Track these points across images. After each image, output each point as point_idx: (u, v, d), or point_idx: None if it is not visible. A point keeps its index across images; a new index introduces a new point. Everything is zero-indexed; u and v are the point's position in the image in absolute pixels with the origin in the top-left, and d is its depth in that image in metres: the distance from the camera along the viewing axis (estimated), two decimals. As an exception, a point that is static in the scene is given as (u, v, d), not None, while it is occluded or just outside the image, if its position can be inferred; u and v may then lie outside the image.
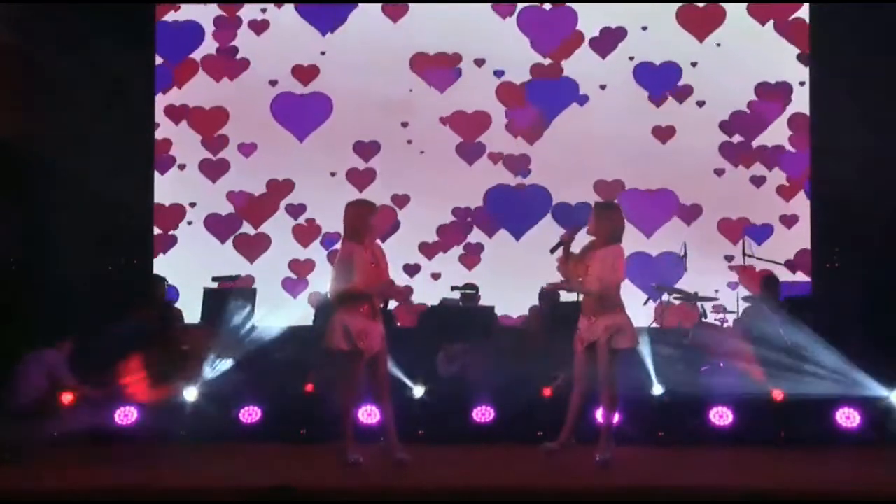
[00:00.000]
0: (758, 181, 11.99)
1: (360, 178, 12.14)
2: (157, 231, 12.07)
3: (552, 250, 7.94)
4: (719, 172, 12.01)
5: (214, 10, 12.33)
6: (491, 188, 12.09)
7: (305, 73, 12.25)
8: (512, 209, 12.05)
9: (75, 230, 10.67)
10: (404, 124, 12.17)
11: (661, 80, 12.11)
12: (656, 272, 11.49)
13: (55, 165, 10.66)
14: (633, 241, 10.64)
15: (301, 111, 12.22)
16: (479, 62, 12.16)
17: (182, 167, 12.22)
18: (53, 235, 10.62)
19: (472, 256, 12.08)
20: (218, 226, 12.20)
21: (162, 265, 11.94)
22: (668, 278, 11.21)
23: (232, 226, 12.19)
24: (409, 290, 11.74)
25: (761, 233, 11.88)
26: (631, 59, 12.13)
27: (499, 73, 12.12)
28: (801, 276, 11.72)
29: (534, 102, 12.15)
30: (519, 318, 11.50)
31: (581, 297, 7.96)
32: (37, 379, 8.88)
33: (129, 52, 11.38)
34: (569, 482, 7.17)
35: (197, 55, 12.27)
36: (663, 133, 12.03)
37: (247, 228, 12.20)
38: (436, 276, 11.87)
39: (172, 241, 12.15)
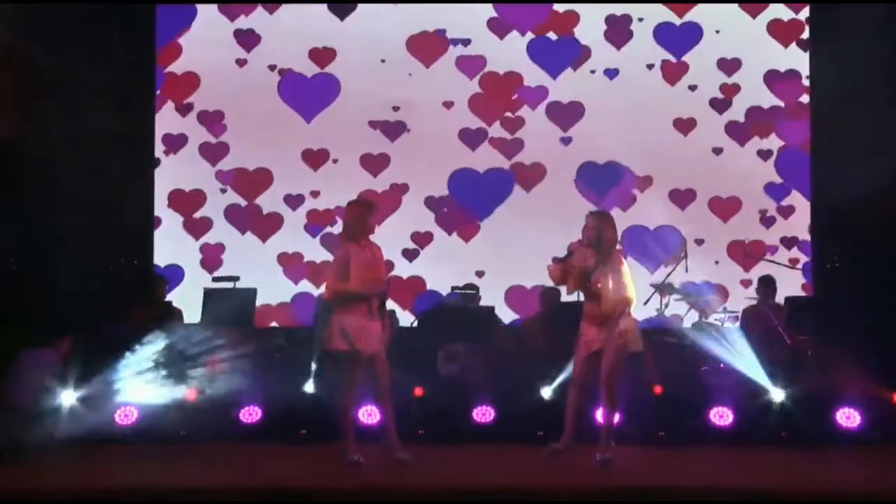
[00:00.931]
0: (765, 154, 12.04)
1: (375, 164, 12.15)
2: (181, 219, 12.09)
3: (562, 259, 7.85)
4: (717, 151, 12.03)
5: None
6: (454, 172, 12.10)
7: (322, 56, 12.23)
8: (475, 192, 12.08)
9: (75, 230, 10.65)
10: (395, 108, 12.16)
11: (682, 41, 12.17)
12: (653, 245, 11.65)
13: (55, 165, 10.65)
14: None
15: (308, 92, 12.19)
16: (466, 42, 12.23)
17: (168, 154, 12.22)
18: (53, 235, 10.61)
19: (469, 227, 12.11)
20: (237, 216, 12.18)
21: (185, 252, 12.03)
22: (665, 251, 11.36)
23: (252, 215, 12.16)
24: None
25: (779, 191, 11.96)
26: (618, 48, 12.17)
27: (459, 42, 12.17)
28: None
29: (535, 61, 12.18)
30: (534, 287, 11.42)
31: (586, 304, 7.86)
32: (35, 379, 8.86)
33: (129, 52, 11.40)
34: (569, 482, 7.17)
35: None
36: (684, 125, 12.06)
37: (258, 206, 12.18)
38: (480, 274, 11.81)
39: (204, 225, 12.15)
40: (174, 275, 11.82)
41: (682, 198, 12.04)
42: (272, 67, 12.23)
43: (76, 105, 10.90)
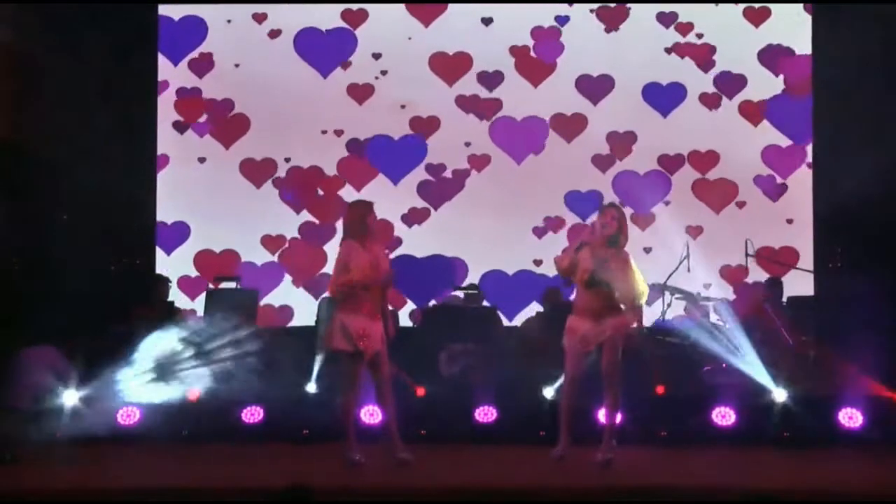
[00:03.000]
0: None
1: (424, 126, 12.17)
2: (248, 185, 12.07)
3: (577, 249, 7.73)
4: (712, 108, 12.08)
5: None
6: (371, 138, 12.08)
7: (355, 17, 12.22)
8: (390, 157, 12.10)
9: (77, 230, 10.67)
10: (383, 72, 12.14)
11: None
12: (642, 191, 11.83)
13: (57, 165, 10.66)
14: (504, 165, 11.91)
15: (324, 47, 12.19)
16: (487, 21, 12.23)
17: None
18: (55, 235, 10.62)
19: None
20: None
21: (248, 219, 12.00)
22: (654, 197, 11.59)
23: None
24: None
25: (766, 183, 11.98)
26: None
27: None
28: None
29: None
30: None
31: (582, 297, 7.76)
32: (37, 378, 8.83)
33: (130, 50, 11.40)
34: (571, 482, 7.16)
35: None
36: (710, 99, 12.08)
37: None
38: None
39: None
40: (180, 232, 11.89)
41: (671, 163, 12.07)
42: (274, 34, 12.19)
43: (78, 105, 10.90)
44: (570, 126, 12.10)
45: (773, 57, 12.05)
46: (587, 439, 7.82)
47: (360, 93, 12.13)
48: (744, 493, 6.66)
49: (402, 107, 12.12)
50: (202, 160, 12.06)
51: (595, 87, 12.10)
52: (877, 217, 10.71)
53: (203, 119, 12.10)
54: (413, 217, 12.06)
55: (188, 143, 12.09)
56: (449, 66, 12.16)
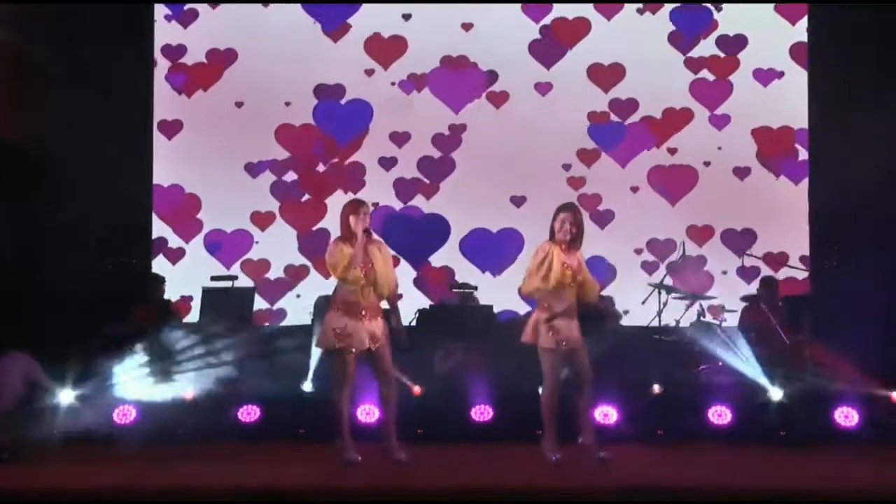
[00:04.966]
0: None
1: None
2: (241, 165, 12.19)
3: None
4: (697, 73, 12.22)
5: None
6: (317, 104, 12.25)
7: None
8: (336, 121, 12.26)
9: (75, 230, 10.67)
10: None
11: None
12: (628, 140, 12.08)
13: (54, 165, 10.66)
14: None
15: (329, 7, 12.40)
16: None
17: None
18: (53, 235, 10.61)
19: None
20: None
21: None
22: (637, 147, 11.98)
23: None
24: None
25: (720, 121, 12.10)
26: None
27: None
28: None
29: None
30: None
31: (557, 297, 7.61)
32: (14, 382, 8.73)
33: (128, 51, 11.41)
34: (569, 481, 7.17)
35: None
36: (694, 64, 12.21)
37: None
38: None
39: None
40: (174, 195, 12.00)
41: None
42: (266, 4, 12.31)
43: (75, 104, 10.90)
44: (608, 76, 12.21)
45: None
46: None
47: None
48: (740, 492, 6.70)
49: (393, 84, 12.23)
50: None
51: (547, 51, 12.23)
52: (875, 216, 10.74)
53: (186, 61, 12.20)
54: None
55: (187, 117, 12.20)
56: (384, 49, 12.29)
